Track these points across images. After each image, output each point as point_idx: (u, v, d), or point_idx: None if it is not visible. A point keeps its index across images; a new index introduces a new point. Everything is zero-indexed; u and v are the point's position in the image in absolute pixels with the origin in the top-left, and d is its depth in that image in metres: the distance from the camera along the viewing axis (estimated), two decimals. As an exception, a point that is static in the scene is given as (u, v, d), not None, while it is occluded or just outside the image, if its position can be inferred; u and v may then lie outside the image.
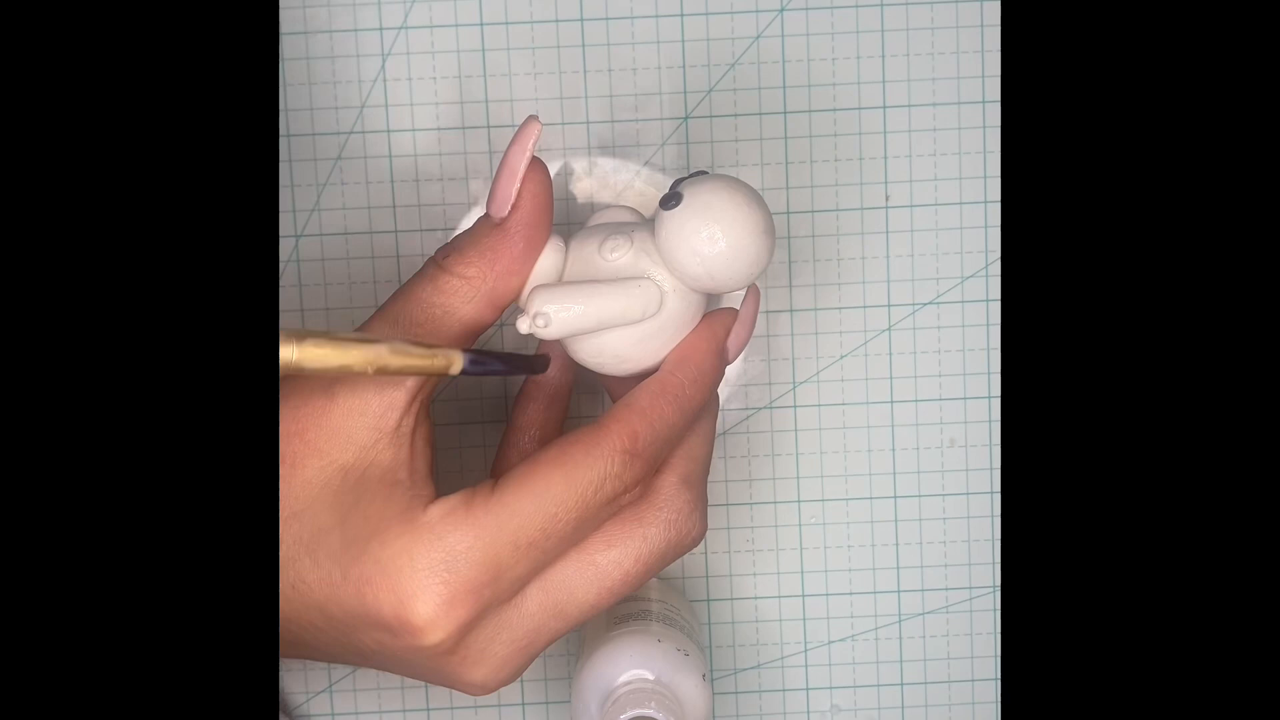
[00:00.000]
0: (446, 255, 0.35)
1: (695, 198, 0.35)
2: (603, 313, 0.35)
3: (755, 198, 0.36)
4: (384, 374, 0.32)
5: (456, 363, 0.34)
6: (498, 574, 0.33)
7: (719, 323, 0.37)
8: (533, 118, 0.35)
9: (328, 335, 0.31)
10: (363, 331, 0.34)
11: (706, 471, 0.37)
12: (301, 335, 0.30)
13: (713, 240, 0.35)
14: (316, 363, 0.30)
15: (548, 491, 0.33)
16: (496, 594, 0.33)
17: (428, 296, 0.35)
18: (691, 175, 0.36)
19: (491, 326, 0.36)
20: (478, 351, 0.34)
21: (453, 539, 0.33)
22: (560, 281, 0.36)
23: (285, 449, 0.34)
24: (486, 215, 0.35)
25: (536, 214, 0.35)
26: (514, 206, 0.35)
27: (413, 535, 0.33)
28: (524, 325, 0.35)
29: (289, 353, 0.30)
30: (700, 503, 0.36)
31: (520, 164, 0.35)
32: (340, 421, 0.34)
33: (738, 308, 0.38)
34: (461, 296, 0.35)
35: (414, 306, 0.35)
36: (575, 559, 0.35)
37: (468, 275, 0.35)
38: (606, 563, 0.35)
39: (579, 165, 0.44)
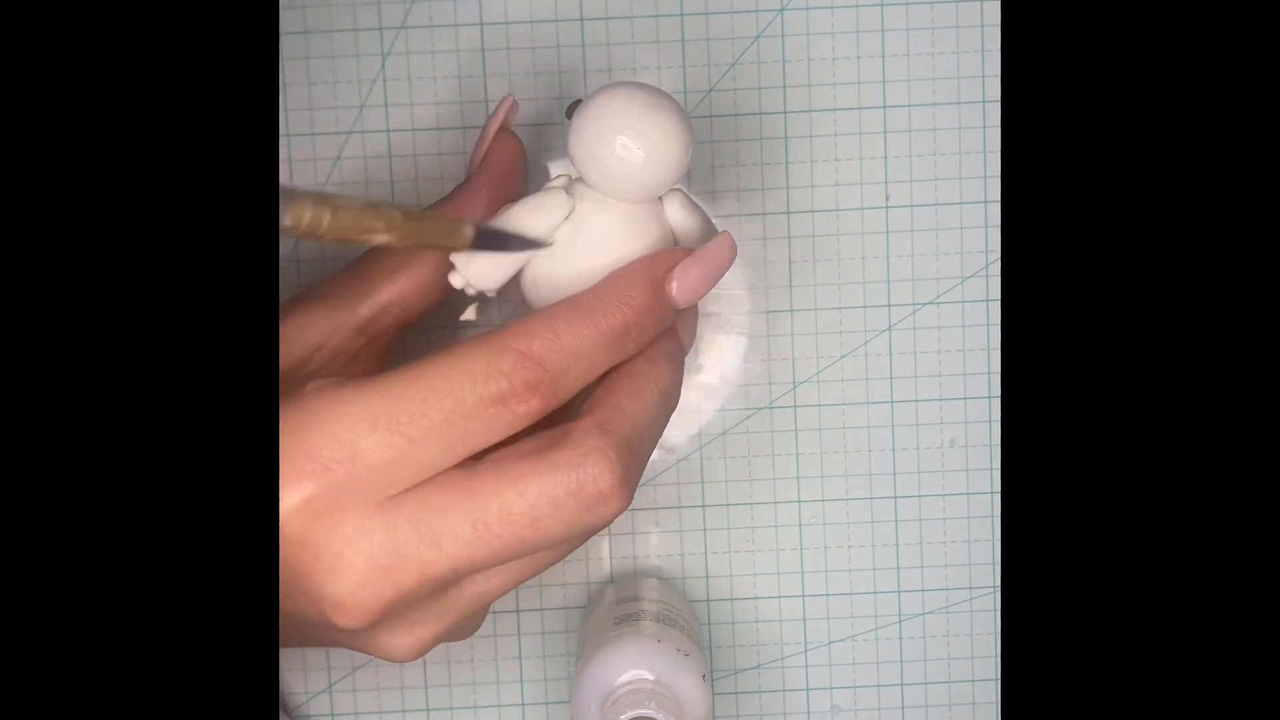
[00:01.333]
0: (423, 205, 0.37)
1: (596, 99, 0.36)
2: (522, 232, 0.36)
3: (653, 90, 0.36)
4: (399, 242, 0.32)
5: (466, 232, 0.35)
6: (354, 452, 0.30)
7: (661, 257, 0.35)
8: (509, 96, 0.38)
9: (342, 198, 0.30)
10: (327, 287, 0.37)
11: (638, 435, 0.33)
12: (331, 202, 0.30)
13: (621, 135, 0.35)
14: (334, 222, 0.30)
15: (422, 375, 0.31)
16: (353, 479, 0.30)
17: (398, 233, 0.34)
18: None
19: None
20: (488, 226, 0.36)
21: (313, 405, 0.30)
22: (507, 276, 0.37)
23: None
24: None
25: (499, 168, 0.38)
26: (480, 164, 0.38)
27: (284, 406, 0.30)
28: (455, 279, 0.36)
29: (321, 215, 0.30)
30: (618, 460, 0.31)
31: (490, 130, 0.38)
32: (287, 350, 0.34)
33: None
34: (428, 225, 0.34)
35: (380, 246, 0.33)
36: (453, 477, 0.31)
37: (439, 209, 0.37)
38: (488, 490, 0.31)
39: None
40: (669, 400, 0.35)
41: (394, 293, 0.37)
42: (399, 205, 0.33)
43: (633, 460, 0.32)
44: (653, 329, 0.34)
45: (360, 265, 0.38)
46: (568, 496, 0.31)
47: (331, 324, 0.35)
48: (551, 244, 0.36)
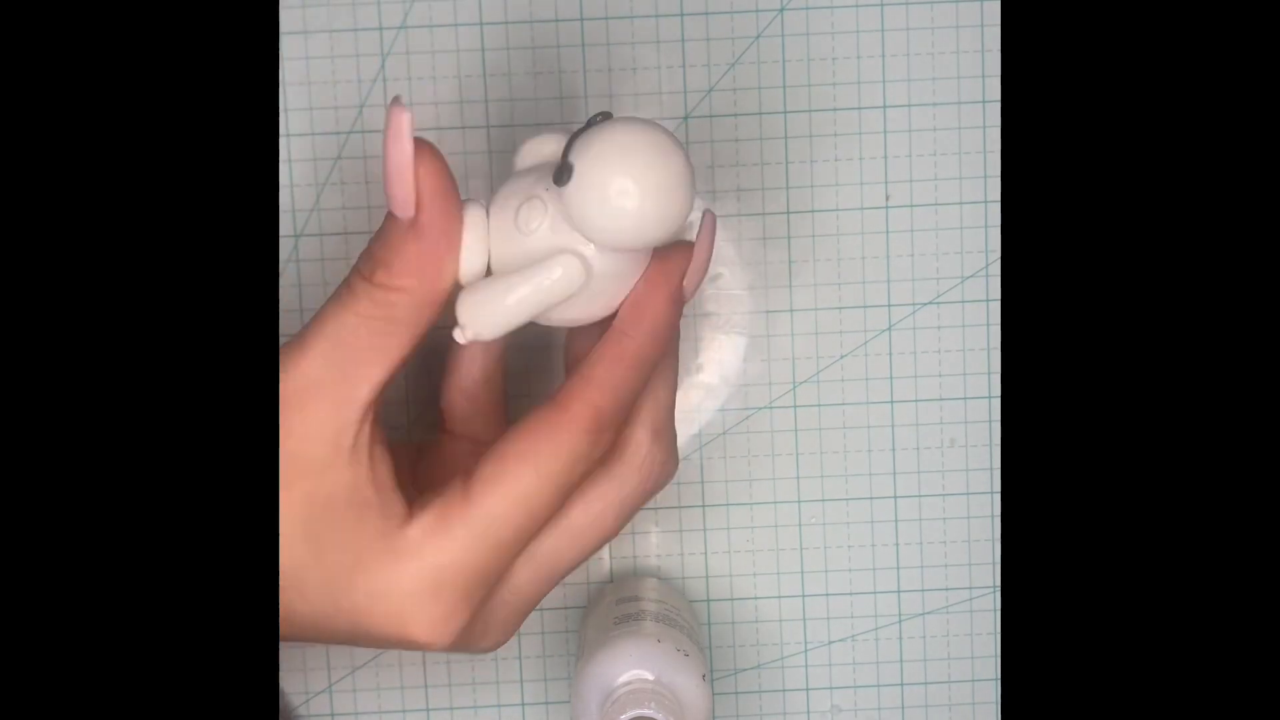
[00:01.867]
0: (373, 271, 0.33)
1: (587, 161, 0.32)
2: (527, 304, 0.33)
3: (655, 137, 0.32)
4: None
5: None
6: (485, 576, 0.33)
7: (673, 266, 0.34)
8: (396, 101, 0.32)
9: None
10: (290, 356, 0.33)
11: (671, 415, 0.36)
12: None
13: (623, 197, 0.32)
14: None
15: (520, 488, 0.33)
16: (487, 590, 0.34)
17: (367, 310, 0.33)
18: (583, 127, 0.33)
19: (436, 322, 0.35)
20: None
21: (437, 558, 0.33)
22: (486, 265, 0.34)
23: None
24: (392, 215, 0.33)
25: (442, 203, 0.32)
26: (418, 204, 0.32)
27: (396, 561, 0.33)
28: (460, 336, 0.34)
29: None
30: (671, 447, 0.36)
31: (405, 157, 0.32)
32: (295, 447, 0.33)
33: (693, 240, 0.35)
34: (403, 308, 0.33)
35: (356, 321, 0.33)
36: (556, 528, 0.35)
37: (404, 286, 0.33)
38: (586, 524, 0.35)
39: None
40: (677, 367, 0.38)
41: (389, 368, 0.34)
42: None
43: (674, 435, 0.37)
44: (675, 331, 0.36)
45: (341, 354, 0.33)
46: (645, 497, 0.36)
47: (337, 423, 0.33)
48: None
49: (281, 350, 0.33)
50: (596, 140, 0.32)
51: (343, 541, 0.33)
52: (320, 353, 0.33)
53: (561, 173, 0.32)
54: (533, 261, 0.33)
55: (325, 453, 0.33)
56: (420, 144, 0.32)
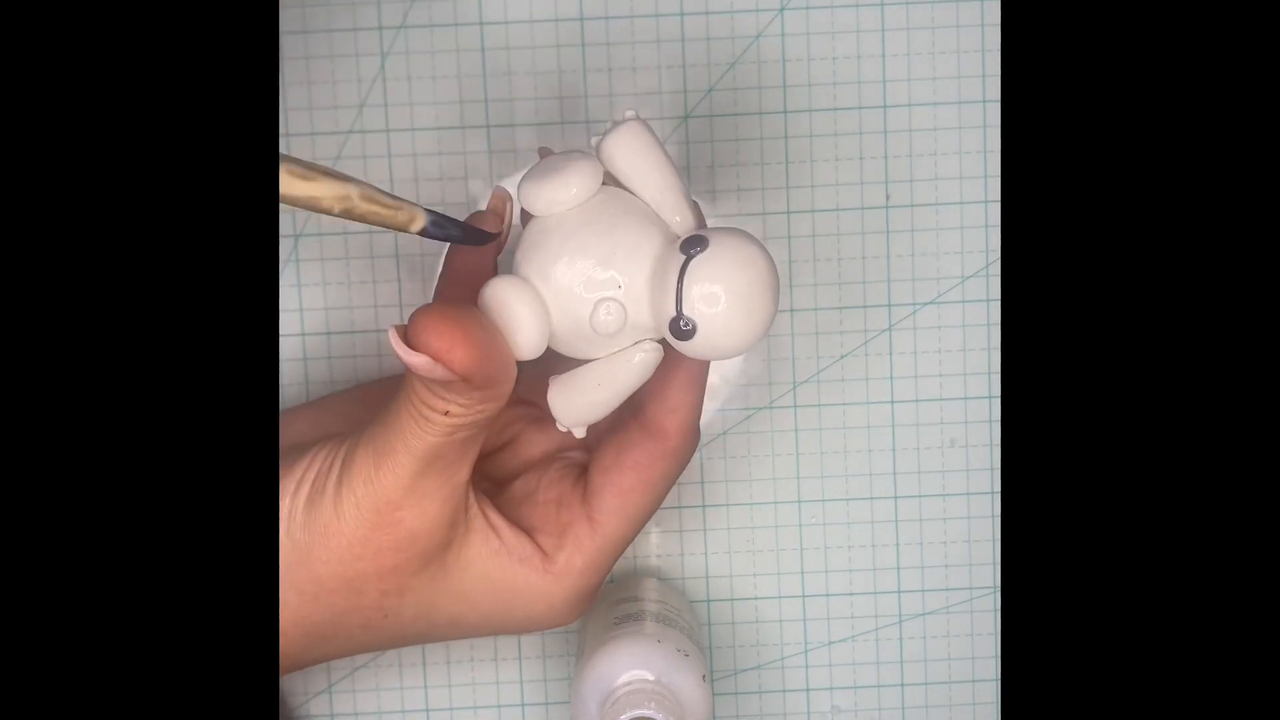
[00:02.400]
0: (446, 410, 0.34)
1: (709, 322, 0.33)
2: (617, 395, 0.35)
3: (760, 269, 0.33)
4: (349, 216, 0.33)
5: (419, 220, 0.34)
6: (605, 574, 0.39)
7: (699, 365, 0.37)
8: (392, 330, 0.33)
9: (301, 164, 0.31)
10: (386, 465, 0.35)
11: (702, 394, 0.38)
12: (282, 159, 0.31)
13: (741, 336, 0.33)
14: (287, 190, 0.31)
15: (636, 512, 0.38)
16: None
17: (449, 434, 0.34)
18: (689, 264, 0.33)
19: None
20: (440, 215, 0.34)
21: (576, 581, 0.38)
22: (547, 340, 0.35)
23: (391, 580, 0.36)
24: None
25: (490, 365, 0.33)
26: (466, 378, 0.33)
27: (548, 594, 0.38)
28: (561, 426, 0.36)
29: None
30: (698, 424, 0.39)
31: (427, 366, 0.32)
32: (423, 533, 0.35)
33: None
34: (479, 424, 0.35)
35: (441, 443, 0.34)
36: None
37: (476, 416, 0.34)
38: (644, 503, 0.39)
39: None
40: None
41: (476, 455, 0.36)
42: (356, 181, 0.33)
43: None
44: None
45: (436, 464, 0.35)
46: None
47: (451, 511, 0.36)
48: (499, 236, 0.37)
49: (370, 452, 0.35)
50: (713, 298, 0.33)
51: (491, 590, 0.37)
52: (416, 469, 0.35)
53: (681, 330, 0.33)
54: (607, 349, 0.35)
55: (450, 534, 0.36)
56: (441, 327, 0.32)
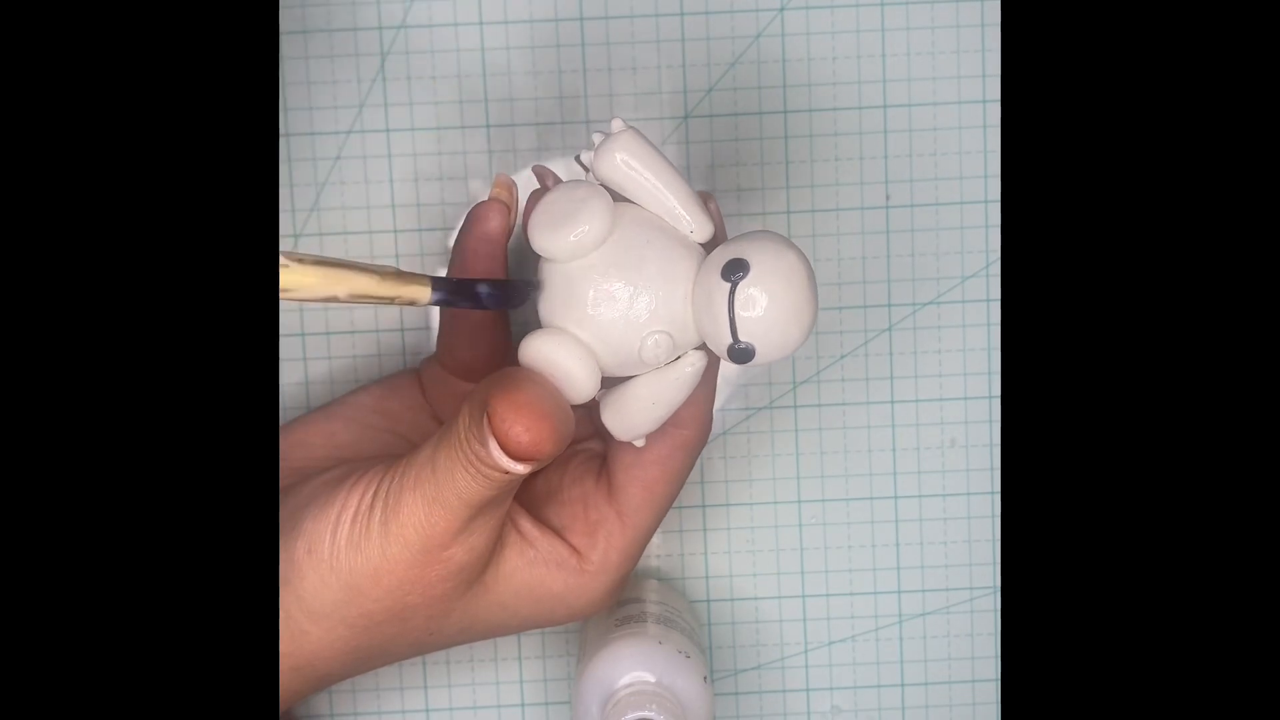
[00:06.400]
0: (506, 471, 0.34)
1: (764, 342, 0.34)
2: (669, 406, 0.36)
3: (805, 290, 0.34)
4: (358, 300, 0.33)
5: (424, 296, 0.34)
6: (636, 561, 0.40)
7: (712, 373, 0.38)
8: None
9: (296, 257, 0.31)
10: (435, 512, 0.35)
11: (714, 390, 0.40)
12: (297, 257, 0.31)
13: (793, 346, 0.34)
14: (303, 291, 0.31)
15: (662, 502, 0.39)
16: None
17: (502, 486, 0.35)
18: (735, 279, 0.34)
19: None
20: (446, 282, 0.34)
21: (613, 574, 0.39)
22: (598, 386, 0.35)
23: (438, 606, 0.37)
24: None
25: (547, 445, 0.34)
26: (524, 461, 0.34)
27: (587, 590, 0.39)
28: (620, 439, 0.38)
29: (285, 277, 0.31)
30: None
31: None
32: (474, 558, 0.36)
33: None
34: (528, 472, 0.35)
35: (493, 494, 0.35)
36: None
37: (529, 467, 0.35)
38: (669, 493, 0.40)
39: (579, 165, 0.44)
40: None
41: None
42: (360, 265, 0.32)
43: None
44: None
45: (486, 507, 0.36)
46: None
47: (495, 538, 0.37)
48: (507, 303, 0.36)
49: (420, 500, 0.35)
50: (766, 320, 0.33)
51: (534, 596, 0.38)
52: (469, 515, 0.35)
53: (740, 353, 0.34)
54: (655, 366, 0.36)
55: (491, 553, 0.37)
56: (528, 421, 0.33)
